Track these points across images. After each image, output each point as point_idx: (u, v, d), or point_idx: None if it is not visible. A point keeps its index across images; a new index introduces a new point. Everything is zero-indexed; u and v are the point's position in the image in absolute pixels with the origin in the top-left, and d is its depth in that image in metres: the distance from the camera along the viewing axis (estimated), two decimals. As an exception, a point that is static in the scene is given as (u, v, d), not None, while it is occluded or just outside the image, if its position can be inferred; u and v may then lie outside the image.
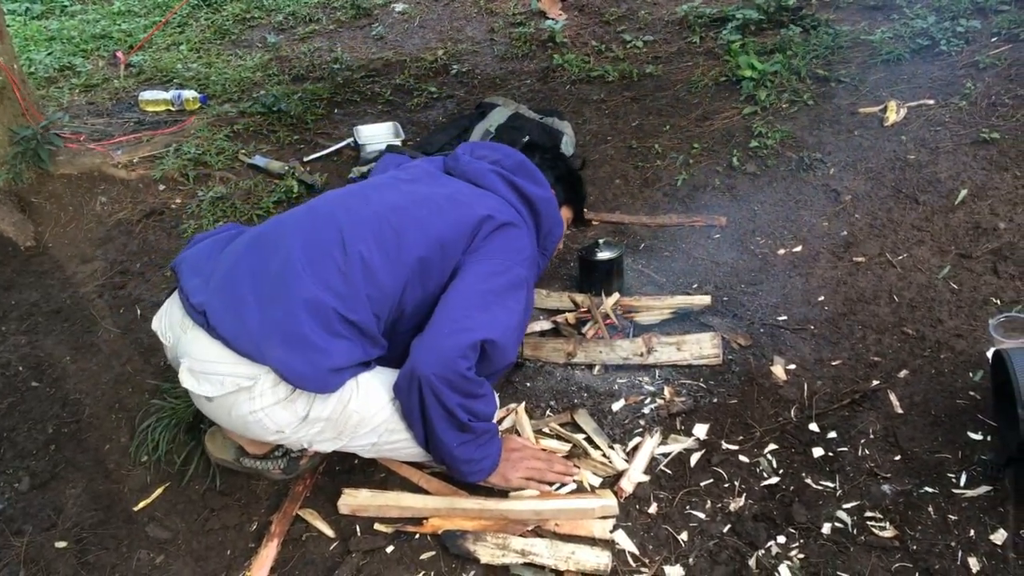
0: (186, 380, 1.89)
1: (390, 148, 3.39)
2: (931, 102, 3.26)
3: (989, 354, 2.12)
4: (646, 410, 2.30)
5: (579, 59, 4.27)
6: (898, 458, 2.05)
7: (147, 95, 4.16)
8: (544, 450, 2.20)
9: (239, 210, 3.32)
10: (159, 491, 2.24)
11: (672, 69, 4.05)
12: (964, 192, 2.82)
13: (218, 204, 3.35)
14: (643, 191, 3.26)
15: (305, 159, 3.66)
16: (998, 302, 2.42)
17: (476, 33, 4.80)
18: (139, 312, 2.89)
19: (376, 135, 3.65)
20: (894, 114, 3.23)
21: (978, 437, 2.06)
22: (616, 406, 2.33)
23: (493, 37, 4.73)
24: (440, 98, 4.14)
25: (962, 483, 1.94)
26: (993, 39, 3.58)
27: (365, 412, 1.95)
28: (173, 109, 4.11)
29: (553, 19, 4.71)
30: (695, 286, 2.74)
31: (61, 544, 2.12)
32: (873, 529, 1.90)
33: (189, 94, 4.11)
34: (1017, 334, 2.18)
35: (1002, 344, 2.16)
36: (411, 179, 2.29)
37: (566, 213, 2.45)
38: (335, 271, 1.93)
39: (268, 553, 2.01)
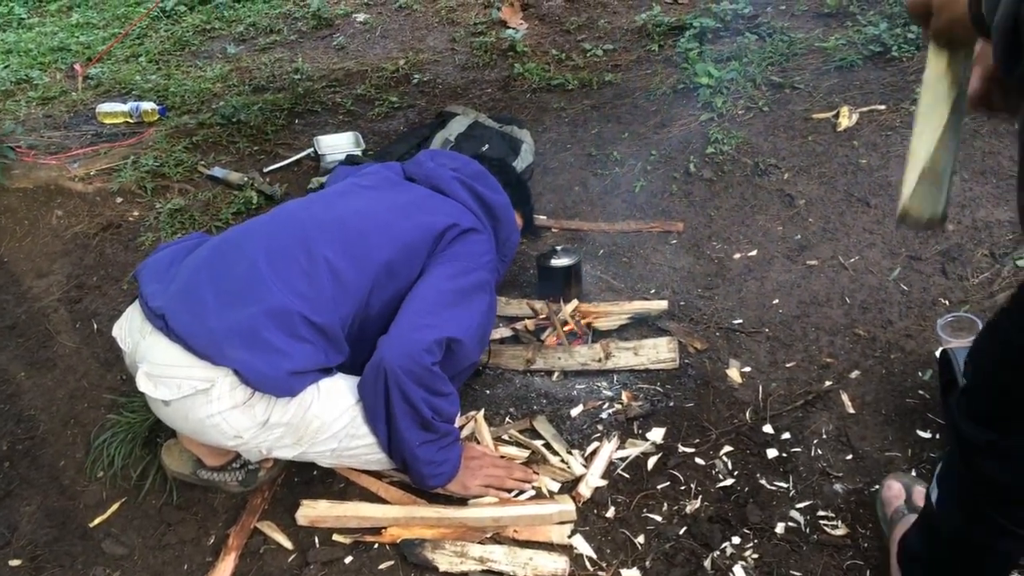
0: (143, 384, 1.88)
1: (349, 158, 3.39)
2: (882, 107, 3.33)
3: (937, 353, 2.16)
4: (604, 415, 2.32)
5: (540, 68, 4.30)
6: (850, 457, 2.09)
7: (105, 107, 4.12)
8: (503, 457, 2.22)
9: (198, 222, 3.30)
10: (115, 507, 2.23)
11: (631, 77, 4.09)
12: (913, 195, 2.87)
13: (176, 216, 3.33)
14: (602, 198, 3.29)
15: (265, 170, 3.64)
16: (946, 302, 2.47)
17: (437, 43, 4.82)
18: (96, 326, 2.86)
19: (336, 145, 3.65)
20: (846, 119, 3.28)
21: (927, 435, 2.10)
22: (575, 412, 2.35)
23: (454, 47, 4.75)
24: (401, 108, 4.15)
25: (911, 480, 1.98)
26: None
27: (326, 417, 1.95)
28: (131, 121, 4.08)
29: (514, 29, 4.74)
30: (653, 291, 2.77)
31: (15, 562, 2.10)
32: (825, 528, 1.93)
33: (148, 106, 4.08)
34: (964, 334, 2.23)
35: (949, 344, 2.20)
36: (372, 185, 2.31)
37: (518, 218, 2.49)
38: (300, 274, 1.95)
39: (225, 567, 2.01)
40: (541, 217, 3.20)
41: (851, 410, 2.21)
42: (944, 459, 1.48)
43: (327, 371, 1.99)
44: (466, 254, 2.18)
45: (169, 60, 4.84)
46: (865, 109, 3.34)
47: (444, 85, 4.34)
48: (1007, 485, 1.31)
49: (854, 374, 2.32)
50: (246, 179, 3.48)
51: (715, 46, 4.10)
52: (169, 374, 1.87)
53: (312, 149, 3.72)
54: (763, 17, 4.23)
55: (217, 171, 3.57)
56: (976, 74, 1.08)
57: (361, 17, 5.18)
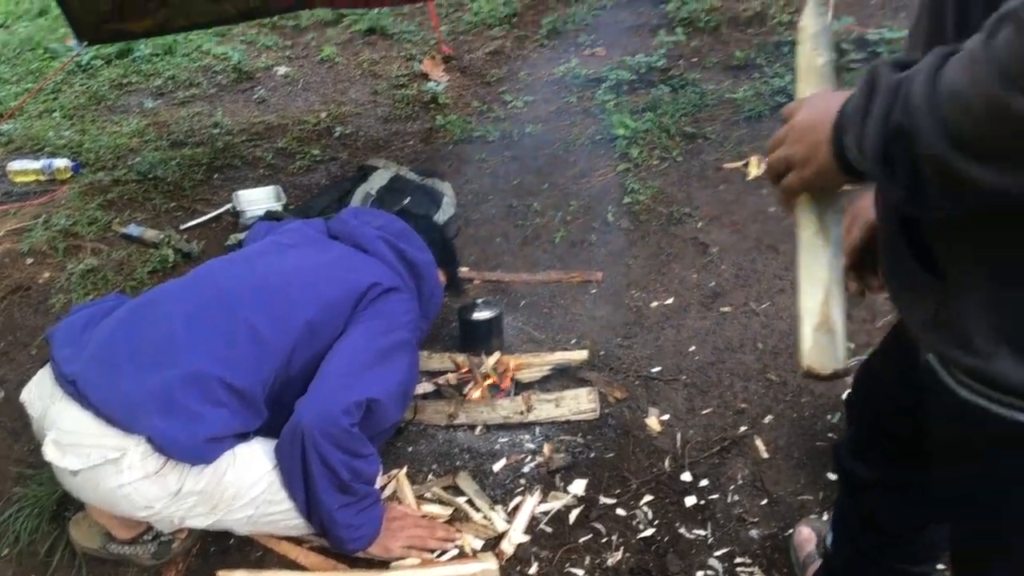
0: (50, 453, 1.81)
1: (269, 213, 3.36)
2: (789, 157, 3.46)
3: (844, 396, 2.24)
4: (526, 468, 2.33)
5: (461, 120, 4.35)
6: (765, 502, 2.14)
7: (16, 165, 4.02)
8: (425, 516, 2.20)
9: (111, 282, 3.22)
10: (20, 586, 2.13)
11: (551, 128, 4.17)
12: (820, 242, 2.99)
13: (89, 277, 3.25)
14: (523, 249, 3.33)
15: (182, 227, 3.59)
16: (852, 345, 2.56)
17: (360, 95, 4.84)
18: (2, 394, 2.76)
19: (256, 200, 3.62)
20: (756, 168, 3.41)
21: (837, 478, 2.16)
22: (497, 466, 2.35)
23: (376, 99, 4.78)
24: (323, 161, 4.15)
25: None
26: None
27: (242, 484, 1.91)
28: (43, 179, 3.98)
29: (435, 81, 4.80)
30: (573, 341, 2.80)
31: (-91, 651, 1.99)
32: (742, 574, 1.97)
33: (61, 163, 3.99)
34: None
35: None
36: (294, 243, 2.30)
37: (440, 277, 2.50)
38: (218, 337, 1.91)
39: (137, 644, 1.93)
40: (464, 269, 3.22)
41: (765, 455, 2.27)
42: (837, 502, 1.53)
43: (244, 436, 1.96)
44: (388, 313, 2.17)
45: (84, 115, 4.75)
46: (773, 158, 3.47)
47: (366, 138, 4.36)
48: (892, 522, 1.36)
49: (767, 419, 2.38)
50: (162, 237, 3.42)
51: (631, 98, 4.22)
52: (78, 442, 1.81)
53: (231, 204, 3.68)
54: (676, 70, 4.38)
55: (132, 229, 3.50)
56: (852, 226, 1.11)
57: (283, 70, 5.18)
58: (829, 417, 2.33)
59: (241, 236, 3.33)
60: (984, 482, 0.98)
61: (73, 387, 1.82)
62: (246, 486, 1.92)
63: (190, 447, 1.82)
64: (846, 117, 0.88)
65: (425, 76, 4.92)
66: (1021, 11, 0.67)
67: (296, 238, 2.31)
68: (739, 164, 3.50)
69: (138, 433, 1.78)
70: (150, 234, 3.46)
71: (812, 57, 1.12)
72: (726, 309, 2.81)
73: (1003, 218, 0.81)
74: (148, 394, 1.80)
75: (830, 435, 2.28)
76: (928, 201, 0.80)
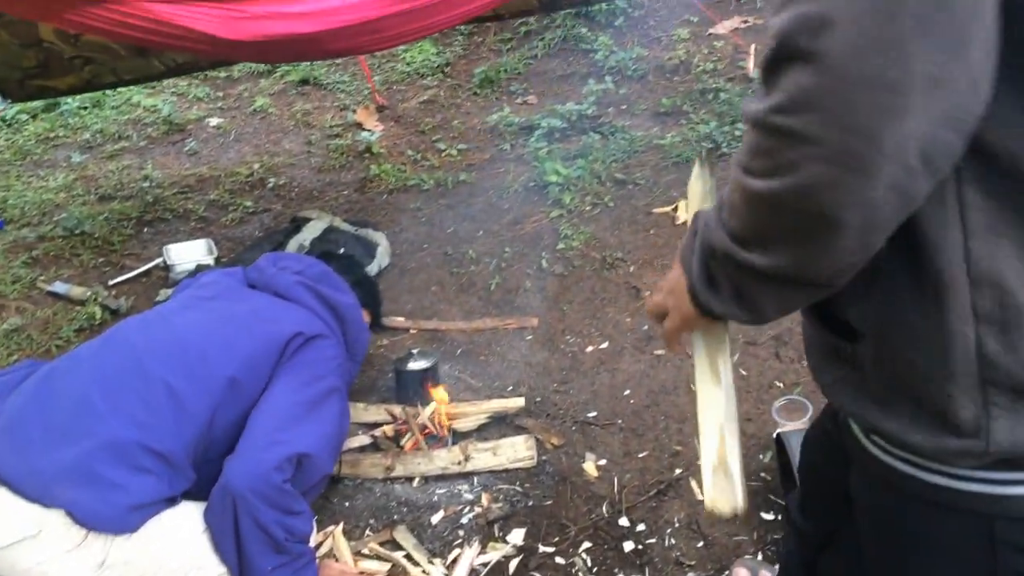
0: (-38, 532, 1.74)
1: (199, 268, 3.32)
2: (716, 200, 3.55)
3: (775, 436, 2.28)
4: (465, 519, 2.31)
5: (396, 169, 4.38)
6: (701, 544, 2.16)
7: (-66, 223, 3.91)
8: (363, 573, 2.17)
9: (36, 342, 3.14)
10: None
11: (485, 176, 4.22)
12: (747, 283, 3.07)
13: (12, 337, 3.16)
14: (459, 296, 3.34)
15: (111, 283, 3.52)
16: (781, 385, 2.62)
17: (293, 146, 4.84)
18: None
19: (187, 254, 3.57)
20: (684, 213, 3.49)
21: (770, 517, 2.19)
22: (435, 518, 2.33)
23: (310, 149, 4.78)
24: (256, 212, 4.12)
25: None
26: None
27: (170, 550, 1.86)
28: (-36, 237, 3.88)
29: (369, 131, 4.82)
30: (510, 388, 2.81)
31: None
32: (680, 619, 1.98)
33: (-18, 220, 3.89)
34: (797, 415, 2.37)
35: (784, 427, 2.33)
36: (211, 296, 2.27)
37: (365, 316, 2.49)
38: (136, 401, 1.87)
39: None
40: (399, 319, 3.22)
41: (700, 497, 2.29)
42: (784, 543, 1.55)
43: (171, 500, 1.91)
44: (314, 361, 2.15)
45: (9, 171, 4.65)
46: (701, 202, 3.56)
47: (300, 188, 4.35)
48: (832, 574, 1.38)
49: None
50: (89, 294, 3.35)
51: (563, 145, 4.30)
52: (-7, 520, 1.75)
53: (162, 259, 3.63)
54: (606, 117, 4.48)
55: (58, 286, 3.42)
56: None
57: (214, 121, 5.15)
58: (761, 457, 2.37)
59: (171, 291, 3.27)
60: (895, 541, 1.02)
61: None
62: (175, 553, 1.86)
63: (112, 518, 1.77)
64: (683, 259, 0.97)
65: (359, 126, 4.94)
66: (748, 108, 0.77)
67: (214, 291, 2.28)
68: (668, 209, 3.59)
69: (57, 508, 1.73)
70: (77, 291, 3.39)
71: (696, 207, 1.18)
72: (659, 352, 2.85)
73: (868, 277, 0.86)
74: (65, 467, 1.74)
75: (762, 474, 2.32)
76: (761, 312, 0.89)
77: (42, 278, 3.53)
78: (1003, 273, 0.81)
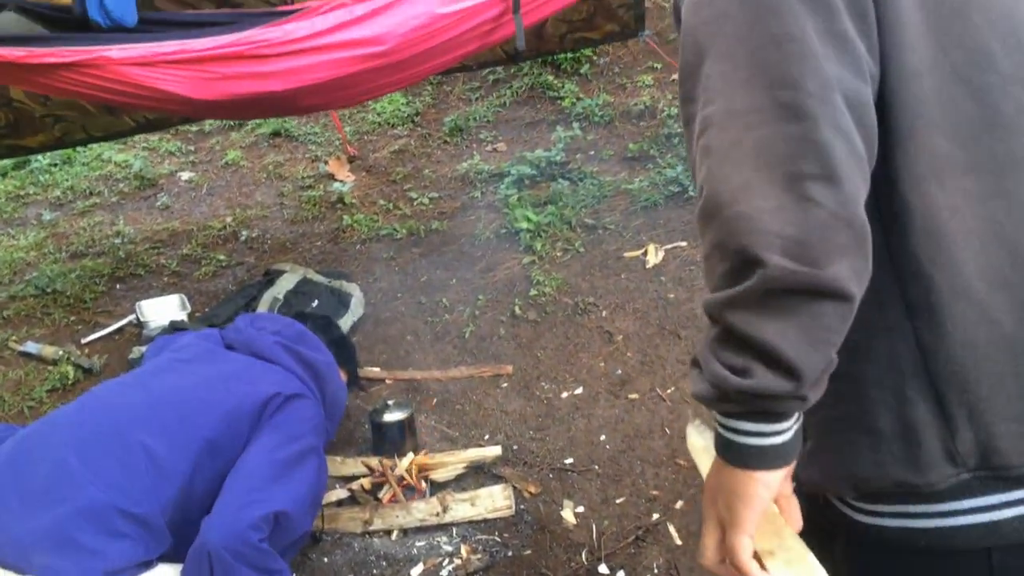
0: (-66, 603, 1.73)
1: (173, 324, 3.32)
2: (684, 244, 3.63)
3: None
4: (445, 572, 2.32)
5: (368, 219, 4.41)
6: (680, 589, 2.18)
7: (-98, 285, 3.88)
8: (343, 630, 2.16)
9: (8, 403, 3.11)
10: None
11: (457, 224, 4.26)
12: (717, 325, 3.12)
13: (-17, 399, 3.13)
14: (434, 345, 3.36)
15: (83, 341, 3.51)
16: None
17: (265, 198, 4.86)
18: None
19: (160, 310, 3.57)
20: (654, 256, 3.56)
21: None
22: (415, 572, 2.33)
23: (283, 201, 4.81)
24: (229, 266, 4.13)
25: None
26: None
27: (146, 613, 1.85)
28: (-68, 298, 3.85)
29: (341, 181, 4.86)
30: (487, 437, 2.83)
31: None
32: (662, 665, 1.99)
33: (-49, 281, 3.87)
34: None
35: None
36: (189, 358, 2.28)
37: (342, 376, 2.51)
38: (114, 464, 1.87)
39: None
40: (375, 369, 3.23)
41: (678, 541, 2.31)
42: None
43: (147, 564, 1.90)
44: (292, 421, 2.16)
45: (-23, 230, 4.63)
46: (670, 246, 3.64)
47: (273, 240, 4.37)
48: None
49: (679, 504, 2.44)
50: (61, 353, 3.33)
51: (532, 191, 4.36)
52: (-34, 588, 1.73)
53: (134, 315, 3.62)
54: (574, 163, 4.56)
55: (30, 346, 3.40)
56: None
57: (186, 175, 5.16)
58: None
59: (144, 348, 3.26)
60: None
61: None
62: (152, 615, 1.86)
63: (85, 584, 1.76)
64: (698, 396, 0.90)
65: (331, 177, 4.98)
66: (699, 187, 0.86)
67: (191, 353, 2.29)
68: (638, 253, 3.65)
69: (33, 574, 1.71)
70: (49, 351, 3.37)
71: (706, 460, 1.09)
72: (634, 396, 2.89)
73: None
74: (40, 533, 1.74)
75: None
76: (794, 360, 0.81)
77: (13, 338, 3.51)
78: (921, 262, 0.87)
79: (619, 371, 3.03)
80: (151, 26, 2.97)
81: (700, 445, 1.19)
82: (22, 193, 5.02)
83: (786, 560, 0.96)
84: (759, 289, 0.79)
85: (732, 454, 0.89)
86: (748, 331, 0.81)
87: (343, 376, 2.52)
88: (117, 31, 2.87)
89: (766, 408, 0.85)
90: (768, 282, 0.78)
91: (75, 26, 2.90)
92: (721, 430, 0.90)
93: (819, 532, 1.11)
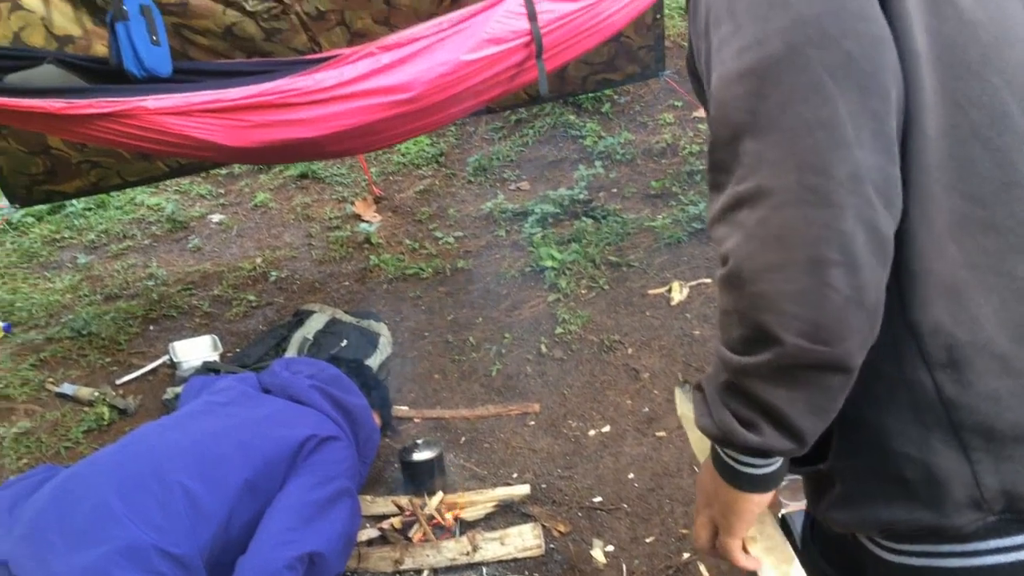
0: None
1: (206, 365, 3.38)
2: (708, 280, 3.65)
3: (780, 517, 2.31)
4: (475, 612, 2.33)
5: (394, 258, 4.48)
6: (711, 629, 2.17)
7: (-57, 329, 3.98)
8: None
9: (45, 444, 3.18)
10: None
11: (482, 262, 4.31)
12: (743, 362, 3.13)
13: (22, 440, 3.20)
14: (461, 384, 3.40)
15: (118, 382, 3.58)
16: (782, 463, 2.66)
17: (294, 239, 4.95)
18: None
19: (192, 351, 3.63)
20: (678, 294, 3.58)
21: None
22: (446, 612, 2.34)
23: (311, 242, 4.89)
24: (259, 306, 4.20)
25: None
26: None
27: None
28: (-28, 341, 3.94)
29: (368, 221, 4.94)
30: (515, 475, 2.84)
31: None
32: None
33: (-9, 324, 3.96)
34: (801, 495, 2.39)
35: (787, 507, 2.36)
36: (227, 401, 2.33)
37: (376, 419, 2.56)
38: (153, 505, 1.91)
39: None
40: (403, 408, 3.27)
41: (708, 580, 2.31)
42: None
43: (183, 604, 1.93)
44: (326, 463, 2.21)
45: (15, 274, 4.74)
46: (694, 283, 3.66)
47: (302, 280, 4.44)
48: None
49: (708, 542, 2.43)
50: (97, 394, 3.40)
51: (556, 229, 4.41)
52: (10, 625, 1.77)
53: (168, 356, 3.69)
54: (597, 201, 4.60)
55: (66, 387, 3.48)
56: None
57: (217, 218, 5.27)
58: (765, 536, 2.40)
59: (178, 389, 3.33)
60: None
61: (5, 569, 1.80)
62: (187, 655, 1.88)
63: (127, 622, 1.79)
64: (700, 426, 0.99)
65: (358, 217, 5.06)
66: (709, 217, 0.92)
67: (229, 396, 2.35)
68: (663, 290, 3.67)
69: None
70: (84, 392, 3.44)
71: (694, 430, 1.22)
72: (661, 434, 2.90)
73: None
74: (81, 571, 1.78)
75: (768, 554, 2.34)
76: (795, 424, 0.89)
77: (50, 380, 3.58)
78: (942, 319, 0.90)
79: (646, 409, 3.04)
80: (185, 76, 3.07)
81: (690, 415, 1.23)
82: (58, 237, 5.14)
83: (766, 547, 1.16)
84: (774, 364, 0.85)
85: (728, 475, 1.01)
86: (760, 396, 0.88)
87: (376, 419, 2.56)
88: (152, 81, 2.98)
89: (766, 454, 0.94)
90: (783, 359, 0.85)
91: (112, 77, 3.01)
92: (720, 453, 1.01)
93: (848, 567, 1.14)
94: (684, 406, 1.27)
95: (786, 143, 0.83)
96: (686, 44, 5.42)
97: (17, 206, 4.07)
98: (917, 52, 0.88)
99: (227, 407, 2.28)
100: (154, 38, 2.95)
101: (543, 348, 3.47)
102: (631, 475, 2.75)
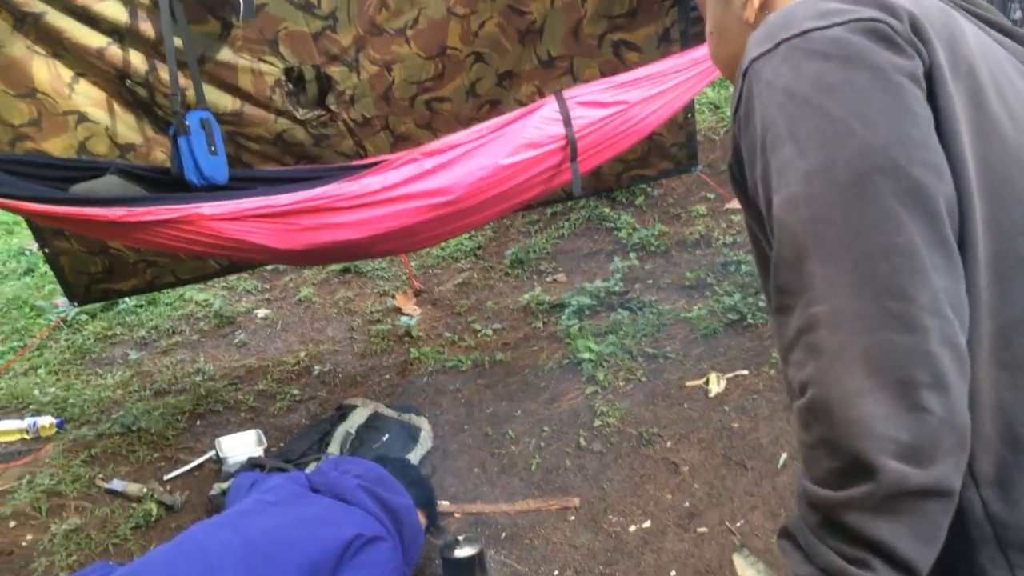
0: None
1: (251, 461, 3.45)
2: (746, 372, 3.67)
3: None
4: None
5: (435, 351, 4.56)
6: None
7: (0, 425, 4.11)
8: None
9: (95, 541, 3.24)
10: None
11: (520, 355, 4.38)
12: (784, 456, 3.13)
13: (72, 537, 3.27)
14: (500, 477, 3.42)
15: (166, 477, 3.65)
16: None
17: (336, 333, 5.07)
18: (-21, 671, 2.70)
19: (238, 446, 3.71)
20: (715, 385, 3.60)
21: None
22: None
23: (353, 335, 5.00)
24: (303, 400, 4.29)
25: None
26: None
27: None
28: (28, 437, 4.06)
29: (408, 314, 5.05)
30: (556, 573, 2.84)
31: None
32: None
33: (45, 420, 4.08)
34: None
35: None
36: (276, 500, 2.40)
37: (421, 518, 2.59)
38: None
39: None
40: (443, 503, 3.29)
41: None
42: None
43: None
44: (371, 563, 2.25)
45: (69, 370, 4.90)
46: (731, 375, 3.68)
47: (344, 374, 4.53)
48: None
49: (753, 642, 2.40)
50: (145, 490, 3.48)
51: (593, 321, 4.47)
52: None
53: (214, 452, 3.77)
54: (632, 293, 4.68)
55: (116, 484, 3.56)
56: None
57: (262, 313, 5.43)
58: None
59: (224, 485, 3.39)
60: None
61: None
62: None
63: None
64: None
65: (398, 310, 5.18)
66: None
67: (278, 495, 2.41)
68: (700, 381, 3.70)
69: None
70: (133, 488, 3.51)
71: None
72: (702, 530, 2.89)
73: None
74: None
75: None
76: (906, 556, 0.84)
77: (100, 476, 3.67)
78: (990, 437, 0.90)
79: (686, 503, 3.04)
80: (239, 183, 3.24)
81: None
82: (110, 333, 5.32)
83: None
84: (875, 494, 0.82)
85: None
86: (864, 531, 0.84)
87: (422, 518, 2.60)
88: (209, 189, 3.15)
89: None
90: (883, 487, 0.82)
91: (171, 185, 3.19)
92: None
93: None
94: (745, 571, 1.21)
95: (862, 268, 0.84)
96: (717, 138, 5.58)
97: (75, 304, 4.25)
98: (969, 179, 0.90)
99: (277, 506, 2.34)
100: (212, 148, 3.13)
101: (582, 441, 3.49)
102: (673, 572, 2.74)
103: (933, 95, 0.91)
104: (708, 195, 5.46)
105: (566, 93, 3.11)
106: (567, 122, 3.04)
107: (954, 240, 0.87)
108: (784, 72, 0.91)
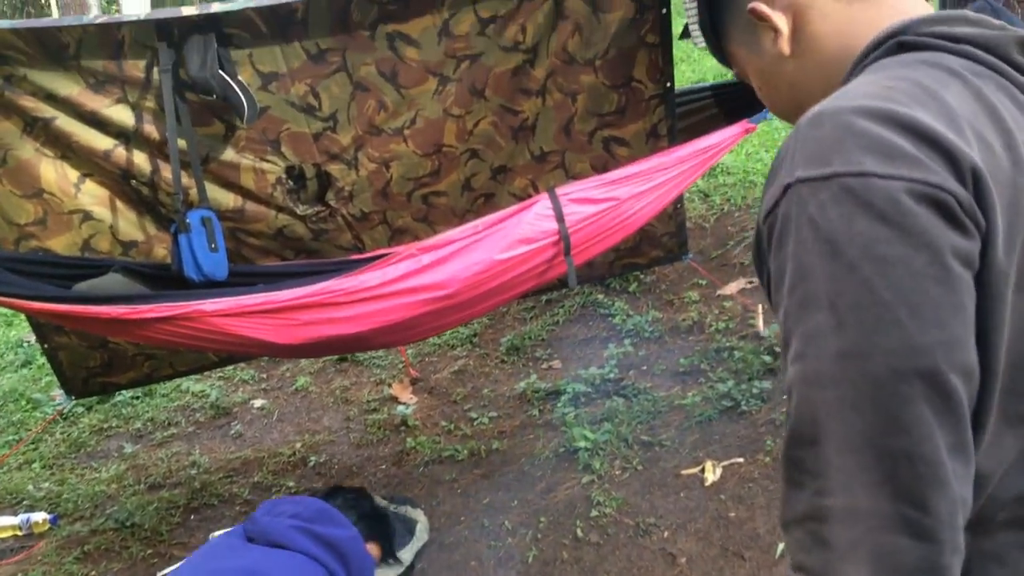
0: None
1: (247, 557, 3.42)
2: (741, 460, 3.68)
3: None
4: None
5: (431, 440, 4.57)
6: None
7: (-8, 521, 4.08)
8: None
9: (86, 642, 3.20)
10: None
11: (516, 443, 4.39)
12: (781, 546, 3.13)
13: (63, 638, 3.22)
14: (497, 571, 3.40)
15: (158, 575, 3.61)
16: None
17: (332, 422, 5.07)
18: None
19: (234, 541, 3.68)
20: (711, 474, 3.61)
21: None
22: None
23: (349, 425, 5.01)
24: (298, 492, 4.26)
25: None
26: (784, 397, 4.15)
27: None
28: (21, 534, 4.03)
29: (405, 403, 5.07)
30: (555, 670, 2.80)
31: None
32: None
33: (39, 516, 4.06)
34: None
35: None
36: (212, 556, 2.36)
37: (374, 550, 2.56)
38: None
39: None
40: (441, 598, 3.26)
41: None
42: None
43: None
44: None
45: (64, 464, 4.88)
46: (727, 462, 3.69)
47: (340, 465, 4.53)
48: None
49: None
50: (139, 588, 3.44)
51: (588, 409, 4.50)
52: None
53: (209, 547, 3.74)
54: (627, 379, 4.71)
55: (109, 582, 3.53)
56: None
57: (258, 403, 5.44)
58: None
59: None
60: None
61: None
62: None
63: None
64: None
65: (395, 399, 5.20)
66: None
67: (216, 552, 2.37)
68: (696, 470, 3.71)
69: None
70: (126, 586, 3.48)
71: None
72: (701, 623, 2.87)
73: None
74: None
75: None
76: None
77: (93, 574, 3.64)
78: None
79: (685, 595, 3.02)
80: (240, 278, 3.32)
81: None
82: (106, 426, 5.31)
83: None
84: None
85: None
86: None
87: (374, 549, 2.55)
88: (209, 285, 3.22)
89: None
90: None
91: (172, 282, 3.26)
92: None
93: None
94: None
95: (884, 468, 0.81)
96: (708, 226, 5.70)
97: (72, 397, 4.26)
98: (999, 356, 0.88)
99: (210, 561, 2.29)
100: (212, 246, 3.22)
101: (579, 532, 3.48)
102: (673, 668, 2.71)
103: (984, 268, 0.85)
104: (700, 281, 5.55)
105: (559, 190, 3.22)
106: (560, 218, 3.14)
107: (971, 435, 0.85)
108: (833, 218, 0.82)
